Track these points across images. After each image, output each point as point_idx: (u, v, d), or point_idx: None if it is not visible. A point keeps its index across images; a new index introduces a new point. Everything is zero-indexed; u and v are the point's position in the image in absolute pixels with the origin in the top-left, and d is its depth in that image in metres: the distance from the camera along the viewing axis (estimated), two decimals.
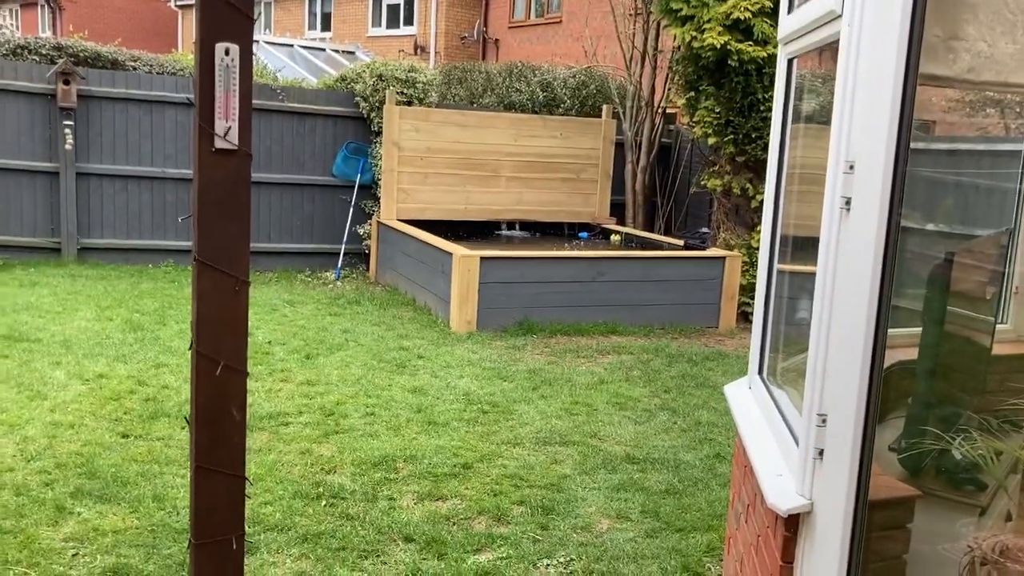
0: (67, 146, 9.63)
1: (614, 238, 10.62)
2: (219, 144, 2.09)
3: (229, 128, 2.09)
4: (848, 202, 2.29)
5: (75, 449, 4.86)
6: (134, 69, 10.32)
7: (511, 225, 10.87)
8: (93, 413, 5.44)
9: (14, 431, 5.04)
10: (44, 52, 9.88)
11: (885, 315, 2.24)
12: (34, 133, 9.64)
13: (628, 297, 8.69)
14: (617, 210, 11.38)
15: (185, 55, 12.12)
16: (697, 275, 8.94)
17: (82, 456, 4.77)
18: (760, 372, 3.36)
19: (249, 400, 5.83)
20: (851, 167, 2.28)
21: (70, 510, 4.16)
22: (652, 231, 11.57)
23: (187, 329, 7.44)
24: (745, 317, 9.10)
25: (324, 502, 4.45)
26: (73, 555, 3.78)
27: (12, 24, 23.01)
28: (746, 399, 3.37)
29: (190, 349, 2.27)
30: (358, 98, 10.66)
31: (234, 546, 2.27)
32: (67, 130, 9.60)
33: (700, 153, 11.16)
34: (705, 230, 10.27)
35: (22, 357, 6.41)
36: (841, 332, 2.31)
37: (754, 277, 8.80)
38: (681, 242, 9.62)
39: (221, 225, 2.15)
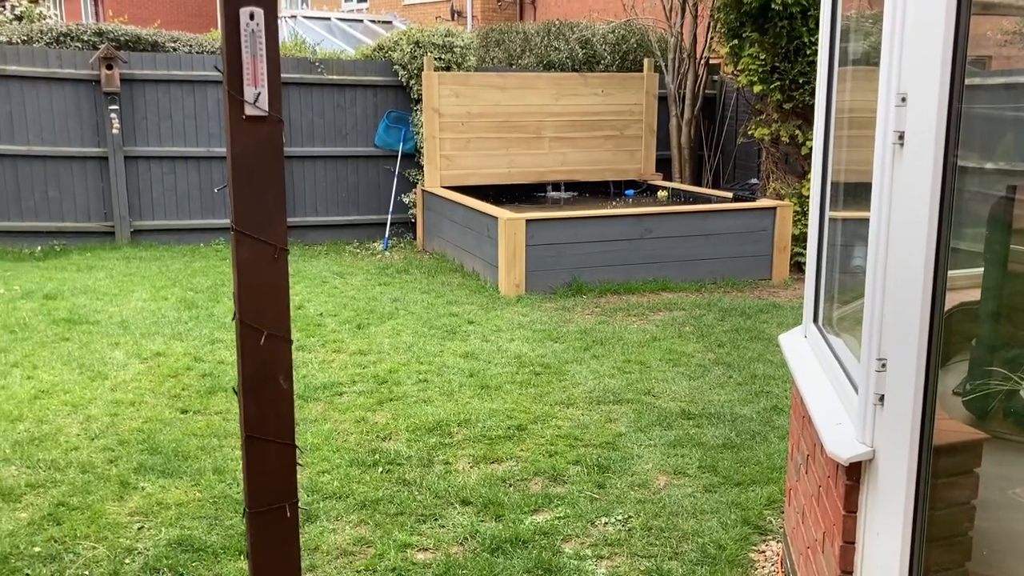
0: (114, 130, 9.77)
1: (661, 194, 10.46)
2: (249, 111, 2.07)
3: (259, 94, 2.06)
4: (901, 136, 2.19)
5: (136, 426, 4.96)
6: (174, 50, 10.40)
7: (556, 186, 10.77)
8: (152, 390, 5.54)
9: (78, 411, 5.16)
10: (86, 38, 10.00)
11: (944, 253, 2.14)
12: (81, 119, 9.79)
13: (677, 253, 8.57)
14: (663, 165, 11.20)
15: None
16: (747, 227, 8.77)
17: (143, 432, 4.87)
18: (815, 320, 3.27)
19: (303, 371, 5.92)
20: (903, 99, 2.17)
21: (134, 485, 4.25)
22: (699, 185, 11.38)
23: None
24: (798, 268, 8.92)
25: (380, 469, 4.48)
26: (139, 528, 3.87)
27: (56, 14, 23.39)
28: (802, 348, 3.28)
29: (234, 319, 2.27)
30: (396, 66, 10.60)
31: (288, 514, 2.27)
32: (113, 114, 9.73)
33: (746, 102, 10.91)
34: (754, 181, 10.07)
35: (82, 339, 6.55)
36: (899, 272, 2.21)
37: (806, 227, 8.60)
38: (730, 194, 9.43)
39: (256, 193, 2.14)
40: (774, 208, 8.82)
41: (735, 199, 9.19)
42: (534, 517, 3.99)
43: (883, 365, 2.28)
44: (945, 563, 2.38)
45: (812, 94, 8.57)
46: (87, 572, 3.51)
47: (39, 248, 9.66)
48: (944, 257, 2.14)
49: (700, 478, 4.38)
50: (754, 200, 9.07)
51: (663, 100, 11.16)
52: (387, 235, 10.66)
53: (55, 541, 3.72)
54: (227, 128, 2.11)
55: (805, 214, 8.82)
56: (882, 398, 2.30)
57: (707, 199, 9.64)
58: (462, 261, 9.29)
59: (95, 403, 5.29)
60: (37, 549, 3.66)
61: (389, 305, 7.77)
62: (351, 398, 5.50)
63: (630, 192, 10.76)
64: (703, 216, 8.81)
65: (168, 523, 3.90)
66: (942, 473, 2.34)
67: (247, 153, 2.11)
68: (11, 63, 9.52)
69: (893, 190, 2.24)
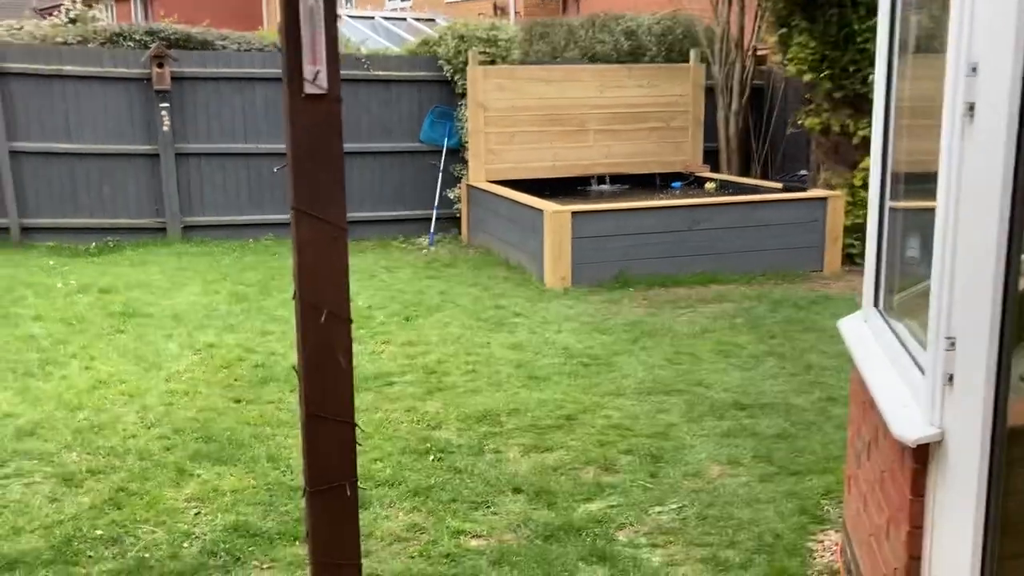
0: (164, 128, 9.92)
1: (709, 185, 10.35)
2: (308, 89, 2.07)
3: (317, 72, 2.07)
4: (971, 108, 2.12)
5: (191, 415, 5.03)
6: (223, 48, 10.53)
7: (601, 179, 10.70)
8: (206, 381, 5.62)
9: (134, 400, 5.25)
10: (138, 38, 10.17)
11: (1018, 228, 2.07)
12: (133, 117, 9.97)
13: (727, 245, 8.47)
14: (710, 157, 11.07)
15: (271, 31, 12.30)
16: (798, 218, 8.64)
17: (198, 421, 4.94)
18: (876, 304, 3.20)
19: (354, 362, 5.94)
20: (974, 69, 2.11)
21: (190, 472, 4.31)
22: (748, 176, 11.23)
23: (290, 299, 7.60)
24: (850, 259, 8.75)
25: (432, 457, 4.49)
26: (195, 514, 3.92)
27: (107, 18, 23.86)
28: (862, 333, 3.21)
29: (294, 299, 2.28)
30: (441, 61, 10.62)
31: (348, 492, 2.28)
32: (164, 112, 9.88)
33: (795, 92, 10.73)
34: (803, 172, 9.91)
35: (137, 331, 6.67)
36: (969, 247, 2.15)
37: (858, 217, 8.46)
38: (779, 185, 9.30)
39: (315, 173, 2.14)
40: (825, 198, 8.68)
41: (785, 190, 9.05)
42: (587, 505, 3.97)
43: (952, 344, 2.22)
44: (1019, 549, 2.31)
45: (863, 82, 8.41)
46: (147, 555, 3.56)
47: (93, 244, 9.85)
48: (1017, 232, 2.07)
49: (755, 468, 4.32)
50: (805, 190, 8.93)
51: (710, 91, 11.03)
52: (432, 230, 10.69)
53: (116, 525, 3.79)
54: (286, 108, 2.12)
55: (857, 205, 8.66)
56: (951, 378, 2.23)
57: (756, 190, 9.52)
58: (507, 255, 9.28)
59: (151, 393, 5.38)
60: (99, 532, 3.72)
61: (436, 298, 7.79)
62: (401, 388, 5.52)
63: (677, 184, 10.66)
64: (753, 207, 8.70)
65: (224, 509, 3.95)
66: (1017, 455, 2.27)
67: (306, 132, 2.11)
68: (67, 63, 9.72)
69: (962, 164, 2.18)
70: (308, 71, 2.06)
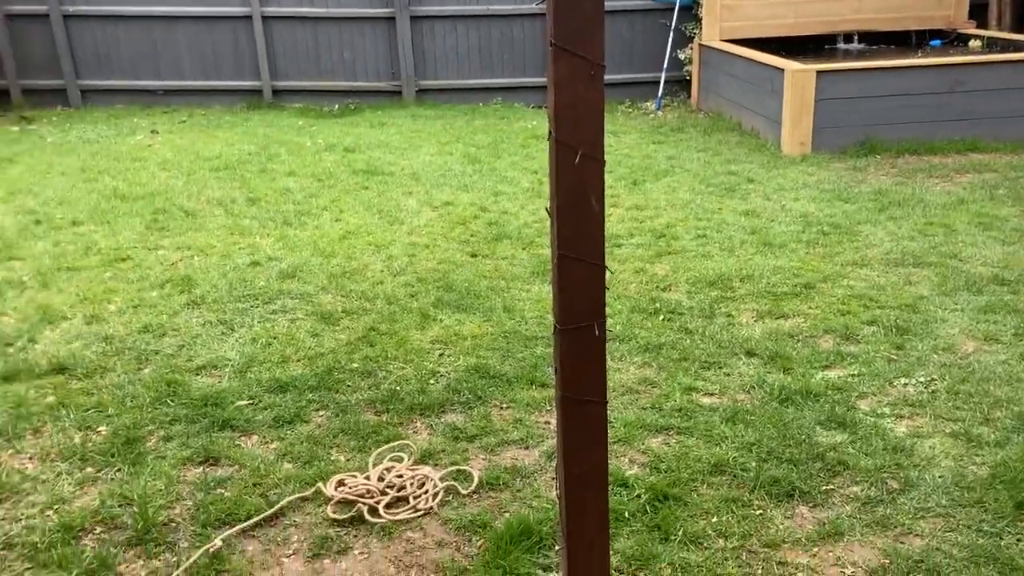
0: None
1: (974, 43, 9.26)
2: None
3: None
4: None
5: (432, 266, 5.30)
6: None
7: (848, 37, 9.85)
8: (444, 235, 5.87)
9: (380, 251, 5.59)
10: None
11: None
12: None
13: (992, 108, 7.61)
14: (977, 11, 9.87)
15: None
16: None
17: (438, 272, 5.19)
18: None
19: None
20: None
21: (433, 317, 4.57)
22: (1022, 33, 9.94)
23: (519, 162, 7.73)
24: None
25: (662, 317, 4.48)
26: (439, 355, 4.17)
27: None
28: None
29: (548, 139, 2.27)
30: None
31: (596, 332, 2.31)
32: None
33: None
34: None
35: (379, 188, 7.03)
36: None
37: None
38: None
39: (575, 6, 2.08)
40: None
41: None
42: (825, 373, 3.84)
43: None
44: None
45: None
46: (398, 388, 3.85)
47: (336, 106, 10.39)
48: None
49: (1016, 346, 3.98)
50: None
51: None
52: (660, 94, 10.36)
53: (369, 360, 4.11)
54: None
55: None
56: None
57: None
58: (740, 118, 8.86)
59: (394, 244, 5.69)
60: (355, 365, 4.06)
61: (664, 163, 7.62)
62: (629, 250, 5.51)
63: (936, 42, 9.62)
64: None
65: (465, 352, 4.17)
66: None
67: None
68: None
69: None
70: None
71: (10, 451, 3.41)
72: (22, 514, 3.03)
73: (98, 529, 2.95)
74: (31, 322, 4.51)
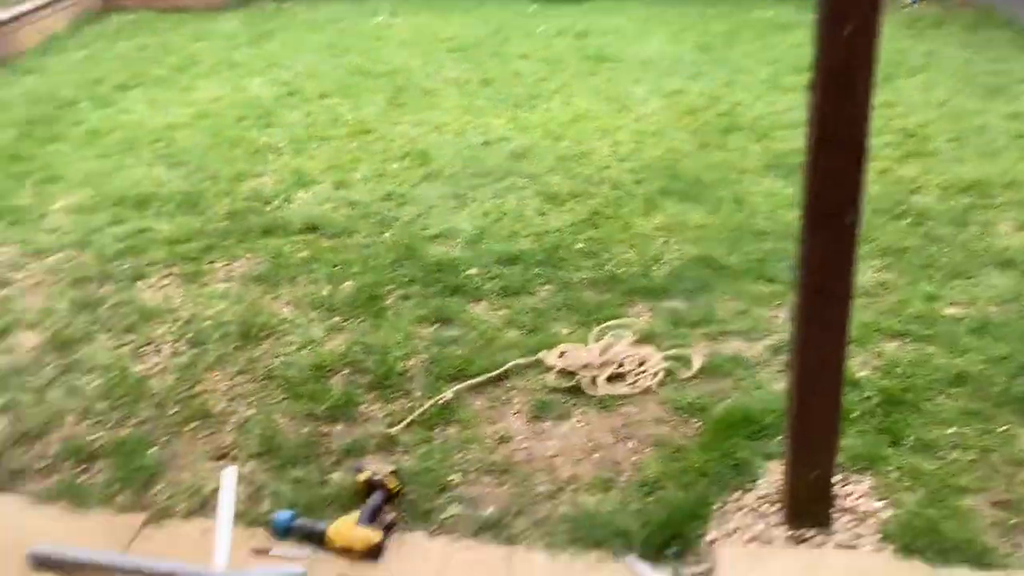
0: None
1: None
2: None
3: None
4: None
5: (658, 155, 5.21)
6: None
7: None
8: (672, 124, 5.73)
9: (606, 136, 5.56)
10: None
11: None
12: None
13: None
14: None
15: None
16: None
17: (664, 160, 5.11)
18: None
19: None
20: None
21: (658, 205, 4.53)
22: None
23: (756, 52, 7.36)
24: None
25: (907, 221, 4.21)
26: (663, 242, 4.14)
27: None
28: None
29: (815, 15, 2.14)
30: None
31: (847, 221, 2.21)
32: None
33: None
34: None
35: (608, 75, 6.94)
36: None
37: None
38: None
39: None
40: None
41: None
42: None
43: None
44: None
45: None
46: (620, 271, 3.88)
47: None
48: None
49: None
50: None
51: None
52: None
53: (593, 241, 4.16)
54: None
55: None
56: None
57: None
58: (1013, 14, 7.90)
59: (621, 131, 5.63)
60: (579, 246, 4.12)
61: (919, 59, 6.98)
62: (875, 149, 5.12)
63: None
64: None
65: (689, 241, 4.12)
66: None
67: None
68: None
69: None
70: None
71: (271, 296, 3.78)
72: (280, 351, 3.37)
73: (345, 371, 3.24)
74: (287, 184, 4.90)
